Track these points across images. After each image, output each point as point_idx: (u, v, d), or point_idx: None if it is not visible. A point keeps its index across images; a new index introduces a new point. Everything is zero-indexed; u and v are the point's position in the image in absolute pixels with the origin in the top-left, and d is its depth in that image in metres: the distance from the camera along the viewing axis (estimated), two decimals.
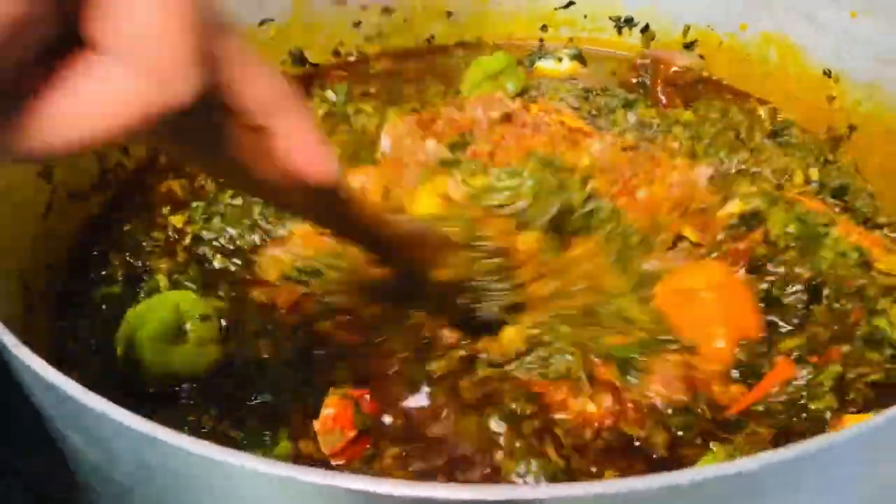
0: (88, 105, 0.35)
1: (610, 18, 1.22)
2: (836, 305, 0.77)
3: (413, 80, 1.18)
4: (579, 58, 1.20)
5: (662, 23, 1.19)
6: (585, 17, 1.24)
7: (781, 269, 0.80)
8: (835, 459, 0.45)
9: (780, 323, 0.77)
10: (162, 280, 0.82)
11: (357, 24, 1.23)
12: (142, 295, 0.80)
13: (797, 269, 0.80)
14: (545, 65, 1.19)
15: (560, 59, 1.19)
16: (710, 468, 0.41)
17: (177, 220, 0.91)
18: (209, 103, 0.41)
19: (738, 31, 1.13)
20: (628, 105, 1.07)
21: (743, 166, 0.97)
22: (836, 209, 0.92)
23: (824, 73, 1.04)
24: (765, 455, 0.41)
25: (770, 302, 0.78)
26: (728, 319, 0.75)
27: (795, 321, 0.77)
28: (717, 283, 0.78)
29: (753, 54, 1.12)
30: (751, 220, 0.86)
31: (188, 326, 0.72)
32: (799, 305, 0.78)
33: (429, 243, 0.72)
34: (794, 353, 0.74)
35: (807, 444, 0.42)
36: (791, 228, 0.83)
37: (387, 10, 1.23)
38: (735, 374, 0.72)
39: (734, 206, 0.88)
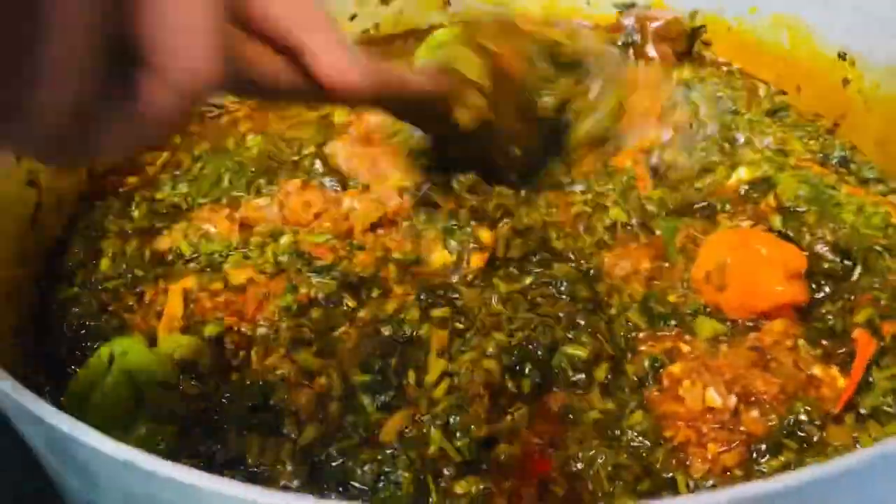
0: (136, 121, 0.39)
1: (613, 5, 1.18)
2: (880, 264, 0.76)
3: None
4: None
5: (667, 7, 1.15)
6: (589, 3, 1.20)
7: (806, 237, 0.79)
8: None
9: (826, 288, 0.76)
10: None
11: (353, 17, 1.19)
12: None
13: (820, 232, 0.79)
14: None
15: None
16: None
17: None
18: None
19: (748, 15, 1.09)
20: None
21: (742, 135, 0.96)
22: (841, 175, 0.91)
23: (839, 55, 1.00)
24: None
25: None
26: (773, 263, 0.73)
27: (839, 285, 0.76)
28: (739, 242, 0.77)
29: (764, 38, 1.08)
30: (762, 185, 0.86)
31: (145, 397, 0.62)
32: (837, 269, 0.77)
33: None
34: (864, 323, 0.72)
35: None
36: (802, 192, 0.83)
37: (384, 2, 1.20)
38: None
39: (744, 173, 0.88)
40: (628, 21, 1.09)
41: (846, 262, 0.77)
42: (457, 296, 0.74)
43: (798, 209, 0.82)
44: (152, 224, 0.85)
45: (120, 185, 0.92)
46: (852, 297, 0.75)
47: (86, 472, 0.46)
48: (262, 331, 0.72)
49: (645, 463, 0.63)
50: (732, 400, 0.64)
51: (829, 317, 0.74)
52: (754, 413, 0.64)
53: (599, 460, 0.62)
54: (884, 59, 0.95)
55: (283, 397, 0.65)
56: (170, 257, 0.80)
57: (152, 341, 0.70)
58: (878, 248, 0.79)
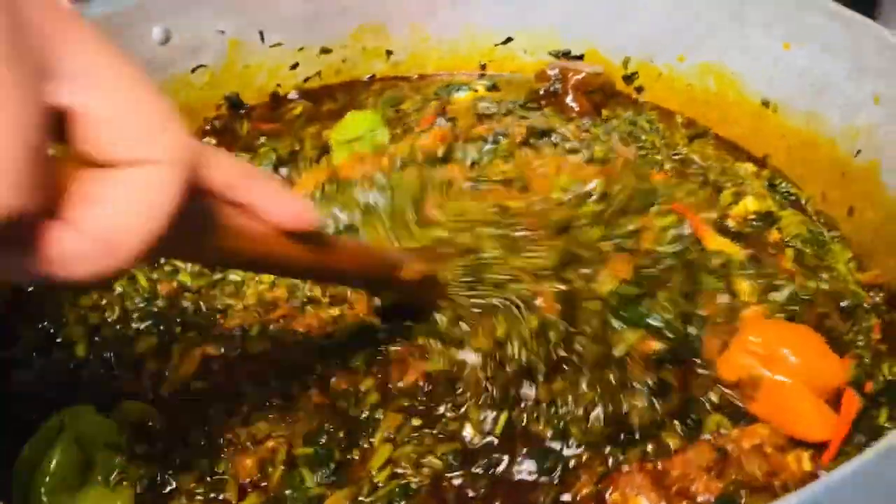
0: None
1: (549, 53, 1.22)
2: (866, 320, 0.81)
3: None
4: (493, 88, 1.20)
5: (600, 55, 1.19)
6: (525, 51, 1.23)
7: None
8: None
9: None
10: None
11: (294, 67, 1.20)
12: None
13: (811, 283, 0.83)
14: (459, 96, 1.18)
15: (476, 90, 1.19)
16: None
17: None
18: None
19: (677, 63, 1.14)
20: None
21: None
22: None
23: (762, 102, 1.05)
24: None
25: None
26: (812, 383, 0.70)
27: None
28: (777, 342, 0.72)
29: (693, 84, 1.13)
30: (767, 218, 0.92)
31: (96, 462, 0.63)
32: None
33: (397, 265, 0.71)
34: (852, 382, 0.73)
35: None
36: (800, 232, 0.90)
37: (325, 51, 1.21)
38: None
39: (751, 204, 0.94)
40: (552, 72, 1.13)
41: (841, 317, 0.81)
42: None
43: (798, 248, 0.89)
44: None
45: None
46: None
47: None
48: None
49: None
50: None
51: None
52: None
53: None
54: (803, 106, 1.00)
55: (228, 462, 0.65)
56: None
57: (102, 406, 0.69)
58: (866, 304, 0.83)
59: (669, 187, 0.92)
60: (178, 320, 0.80)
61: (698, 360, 0.73)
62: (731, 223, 0.92)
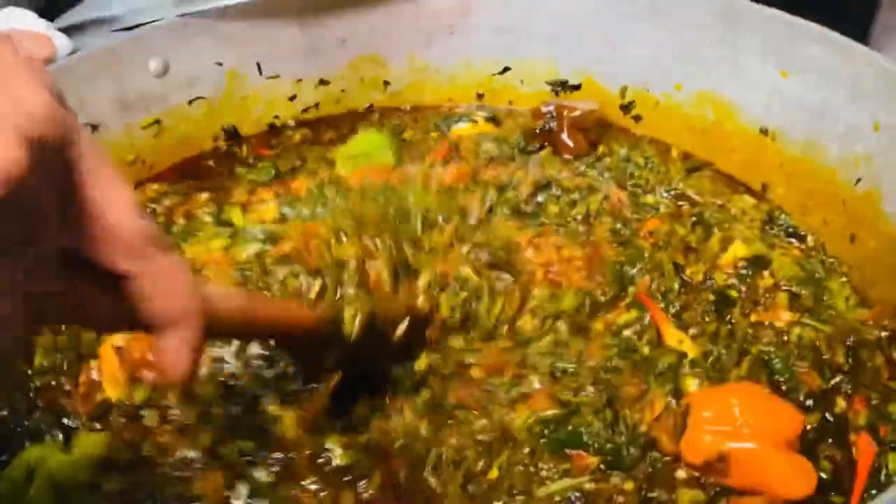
0: None
1: (547, 83, 1.22)
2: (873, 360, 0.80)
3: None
4: (492, 119, 1.20)
5: (598, 85, 1.19)
6: (522, 82, 1.23)
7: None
8: None
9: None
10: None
11: (293, 98, 1.21)
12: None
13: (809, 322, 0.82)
14: (459, 127, 1.19)
15: (476, 122, 1.19)
16: None
17: None
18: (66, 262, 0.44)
19: (674, 91, 1.13)
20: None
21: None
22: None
23: (761, 130, 1.05)
24: None
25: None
26: (775, 439, 0.69)
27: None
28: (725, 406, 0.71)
29: (691, 114, 1.12)
30: (757, 263, 0.89)
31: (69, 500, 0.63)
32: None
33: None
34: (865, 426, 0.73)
35: None
36: (794, 272, 0.87)
37: (323, 82, 1.22)
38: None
39: (740, 249, 0.91)
40: (547, 109, 1.13)
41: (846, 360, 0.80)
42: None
43: (793, 290, 0.86)
44: None
45: None
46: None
47: None
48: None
49: None
50: None
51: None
52: None
53: None
54: (802, 135, 1.00)
55: (197, 486, 0.66)
56: None
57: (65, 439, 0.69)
58: (868, 338, 0.81)
59: (652, 252, 0.91)
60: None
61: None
62: (718, 277, 0.89)
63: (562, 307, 0.83)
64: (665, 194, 1.03)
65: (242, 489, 0.67)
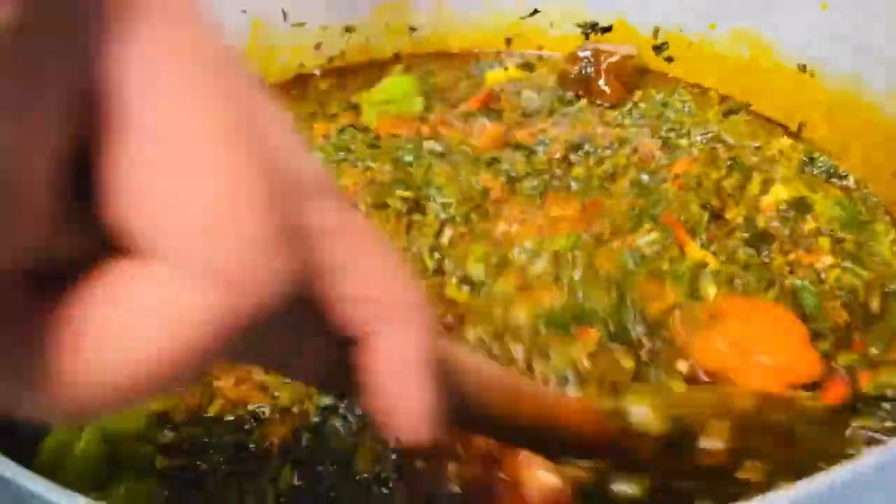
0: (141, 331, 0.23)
1: (577, 25, 1.19)
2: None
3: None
4: (526, 66, 1.18)
5: (629, 26, 1.16)
6: (552, 24, 1.21)
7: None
8: None
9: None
10: None
11: (318, 46, 1.19)
12: None
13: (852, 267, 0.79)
14: (493, 71, 1.17)
15: (506, 68, 1.17)
16: None
17: None
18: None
19: (708, 31, 1.11)
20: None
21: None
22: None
23: (798, 67, 1.02)
24: None
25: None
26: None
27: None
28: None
29: (725, 53, 1.10)
30: (800, 206, 0.86)
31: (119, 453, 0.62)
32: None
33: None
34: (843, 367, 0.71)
35: None
36: (836, 214, 0.84)
37: (348, 29, 1.20)
38: None
39: (781, 192, 0.87)
40: (584, 54, 1.10)
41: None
42: None
43: (839, 237, 0.83)
44: None
45: None
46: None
47: None
48: None
49: None
50: None
51: None
52: None
53: None
54: (842, 69, 0.97)
55: (258, 436, 0.65)
56: None
57: None
58: None
59: (678, 194, 0.88)
60: None
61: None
62: (760, 220, 0.86)
63: (555, 247, 0.81)
64: (699, 137, 0.99)
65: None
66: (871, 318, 0.76)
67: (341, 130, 1.03)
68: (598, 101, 1.08)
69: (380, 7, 1.19)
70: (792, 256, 0.83)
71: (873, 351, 0.73)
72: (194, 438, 0.66)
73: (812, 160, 0.97)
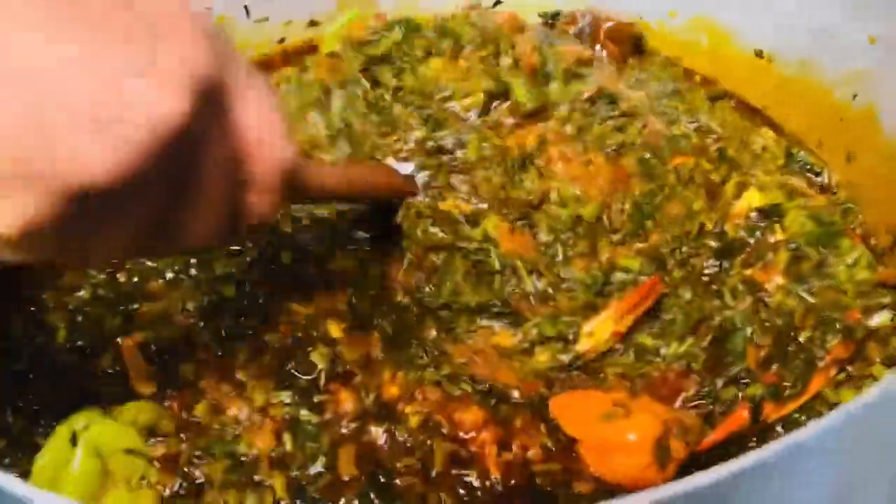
0: None
1: (539, 15, 1.20)
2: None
3: None
4: None
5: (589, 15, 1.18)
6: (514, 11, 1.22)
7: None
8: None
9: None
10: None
11: (282, 41, 1.19)
12: None
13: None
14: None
15: None
16: None
17: None
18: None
19: (668, 18, 1.13)
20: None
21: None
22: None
23: (756, 53, 1.05)
24: None
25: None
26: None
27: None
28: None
29: (685, 39, 1.12)
30: (771, 213, 0.84)
31: (111, 467, 0.63)
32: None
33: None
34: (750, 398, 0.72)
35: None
36: (809, 228, 0.81)
37: (313, 23, 1.20)
38: None
39: (755, 198, 0.85)
40: (584, 19, 1.11)
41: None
42: None
43: (801, 253, 0.80)
44: None
45: None
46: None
47: None
48: None
49: None
50: None
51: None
52: None
53: None
54: (795, 54, 1.00)
55: (247, 444, 0.67)
56: None
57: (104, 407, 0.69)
58: (850, 323, 0.75)
59: (675, 187, 0.87)
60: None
61: None
62: (728, 228, 0.84)
63: (582, 212, 0.82)
64: (690, 125, 0.96)
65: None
66: (795, 352, 0.75)
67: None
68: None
69: (344, 0, 1.19)
70: (748, 273, 0.81)
71: (786, 384, 0.73)
72: (187, 453, 0.67)
73: (791, 155, 0.96)
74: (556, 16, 1.20)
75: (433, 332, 0.77)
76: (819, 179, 0.94)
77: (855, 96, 0.93)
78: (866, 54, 0.91)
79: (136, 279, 0.81)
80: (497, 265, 0.79)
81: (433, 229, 0.80)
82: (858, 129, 0.93)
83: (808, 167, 0.96)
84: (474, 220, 0.81)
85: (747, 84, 1.07)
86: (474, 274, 0.79)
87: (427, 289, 0.78)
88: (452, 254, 0.80)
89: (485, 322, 0.77)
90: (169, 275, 0.81)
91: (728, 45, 1.08)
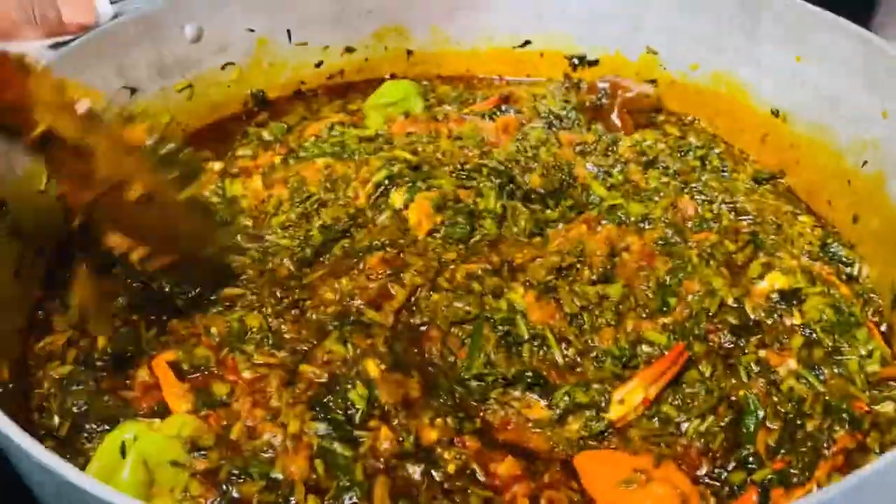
0: None
1: (565, 57, 1.26)
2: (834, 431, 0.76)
3: None
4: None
5: (616, 62, 1.23)
6: (542, 55, 1.27)
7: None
8: None
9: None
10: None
11: (319, 64, 1.23)
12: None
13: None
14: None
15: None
16: None
17: None
18: None
19: (689, 70, 1.18)
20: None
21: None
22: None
23: (772, 112, 1.10)
24: None
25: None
26: None
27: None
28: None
29: (705, 91, 1.17)
30: (791, 297, 0.84)
31: (157, 477, 0.67)
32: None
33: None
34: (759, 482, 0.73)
35: None
36: (826, 315, 0.82)
37: (349, 50, 1.24)
38: None
39: (778, 280, 0.85)
40: (603, 85, 1.15)
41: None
42: None
43: (815, 339, 0.81)
44: None
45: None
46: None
47: None
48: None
49: None
50: None
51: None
52: None
53: None
54: (813, 118, 1.05)
55: (280, 468, 0.70)
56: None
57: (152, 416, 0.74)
58: (855, 413, 0.76)
59: (697, 264, 0.88)
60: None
61: None
62: (748, 305, 0.85)
63: (608, 292, 0.86)
64: (724, 206, 0.99)
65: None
66: (803, 439, 0.75)
67: (331, 128, 1.09)
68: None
69: (380, 30, 1.24)
70: (763, 354, 0.81)
71: (792, 471, 0.73)
72: (225, 466, 0.70)
73: (825, 245, 0.96)
74: (581, 59, 1.25)
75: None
76: (848, 270, 0.94)
77: (865, 163, 0.98)
78: (879, 126, 0.95)
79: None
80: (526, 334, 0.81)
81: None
82: (865, 193, 0.98)
83: (840, 258, 0.95)
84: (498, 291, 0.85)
85: (759, 141, 1.11)
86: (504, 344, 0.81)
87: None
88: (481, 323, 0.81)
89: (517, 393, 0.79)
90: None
91: (746, 102, 1.13)
